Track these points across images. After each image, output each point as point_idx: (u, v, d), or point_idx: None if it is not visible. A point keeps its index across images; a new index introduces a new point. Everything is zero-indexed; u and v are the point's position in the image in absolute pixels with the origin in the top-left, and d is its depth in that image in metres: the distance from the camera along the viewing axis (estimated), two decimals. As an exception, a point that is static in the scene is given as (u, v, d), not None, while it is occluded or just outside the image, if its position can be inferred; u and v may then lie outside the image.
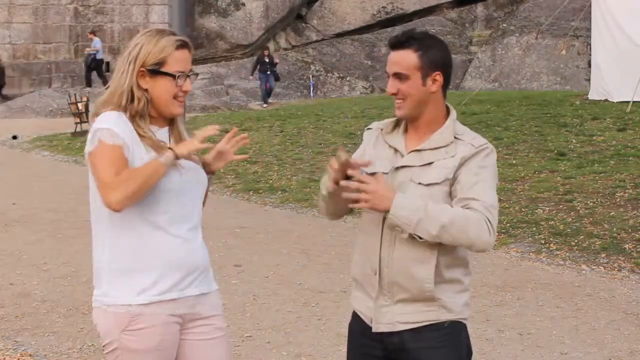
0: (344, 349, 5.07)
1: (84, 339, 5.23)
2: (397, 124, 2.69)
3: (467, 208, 2.48)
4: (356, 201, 2.49)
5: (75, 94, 18.42)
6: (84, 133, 17.15)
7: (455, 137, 2.58)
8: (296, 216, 9.48)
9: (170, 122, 2.72)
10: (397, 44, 2.58)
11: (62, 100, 21.59)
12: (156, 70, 2.60)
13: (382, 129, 2.71)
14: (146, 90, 2.62)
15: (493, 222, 2.48)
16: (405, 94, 2.56)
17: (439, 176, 2.54)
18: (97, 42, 23.28)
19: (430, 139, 2.59)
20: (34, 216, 9.33)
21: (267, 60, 22.74)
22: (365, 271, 2.64)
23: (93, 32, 23.42)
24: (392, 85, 2.58)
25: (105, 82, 23.49)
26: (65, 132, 17.57)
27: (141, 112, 2.61)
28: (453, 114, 2.64)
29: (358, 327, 2.69)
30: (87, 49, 23.43)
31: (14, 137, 17.34)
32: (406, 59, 2.56)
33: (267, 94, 22.64)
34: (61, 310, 5.86)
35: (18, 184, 11.79)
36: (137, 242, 2.59)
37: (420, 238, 2.48)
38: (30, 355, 5.00)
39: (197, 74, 2.71)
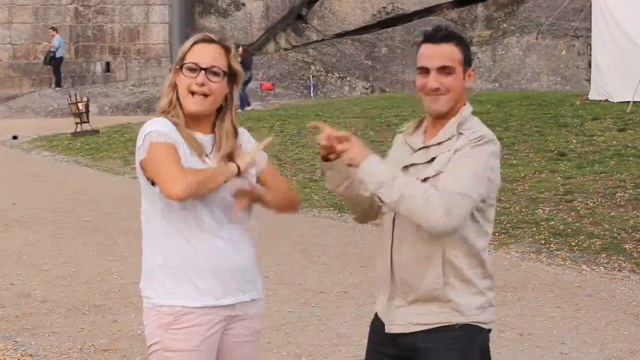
0: (344, 349, 5.09)
1: (84, 339, 5.23)
2: (418, 125, 2.69)
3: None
4: (334, 153, 2.50)
5: (75, 94, 18.42)
6: (84, 133, 17.16)
7: (459, 132, 2.56)
8: (296, 216, 9.47)
9: (214, 129, 2.71)
10: (439, 38, 2.57)
11: (62, 100, 21.59)
12: (181, 65, 2.66)
13: (404, 131, 2.71)
14: (178, 87, 2.69)
15: (452, 206, 2.39)
16: (448, 87, 2.55)
17: (433, 170, 2.54)
18: (57, 40, 23.27)
19: (436, 136, 2.60)
20: (34, 216, 9.33)
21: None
22: (382, 272, 2.67)
23: (54, 29, 23.43)
24: (436, 80, 2.54)
25: (59, 79, 23.49)
26: (65, 132, 17.56)
27: (174, 106, 2.66)
28: (466, 110, 2.62)
29: (376, 326, 2.72)
30: (45, 43, 23.41)
31: (14, 137, 17.34)
32: (452, 52, 2.56)
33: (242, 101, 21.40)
34: (61, 310, 5.86)
35: (18, 184, 11.79)
36: (186, 247, 2.61)
37: (382, 201, 2.46)
38: (30, 355, 5.00)
39: (223, 72, 2.65)
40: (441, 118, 2.61)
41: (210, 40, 2.66)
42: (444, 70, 2.54)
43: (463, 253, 2.55)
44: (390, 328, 2.62)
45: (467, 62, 2.59)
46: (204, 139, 2.69)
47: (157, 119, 2.65)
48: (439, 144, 2.57)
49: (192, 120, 2.67)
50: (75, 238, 8.21)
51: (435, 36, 2.57)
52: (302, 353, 5.02)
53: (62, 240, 8.16)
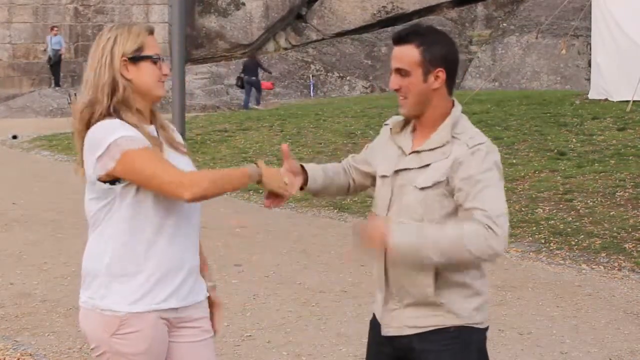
0: (344, 348, 5.09)
1: (84, 339, 5.22)
2: (406, 123, 2.66)
3: (469, 219, 2.41)
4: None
5: (75, 94, 18.41)
6: (84, 133, 17.17)
7: (453, 137, 2.52)
8: (296, 216, 9.47)
9: (152, 120, 2.68)
10: (399, 39, 2.54)
11: (62, 100, 21.59)
12: (138, 57, 2.57)
13: (391, 129, 2.68)
14: (130, 80, 2.57)
15: (497, 230, 2.37)
16: (406, 90, 2.53)
17: (431, 179, 2.50)
18: (57, 39, 23.29)
19: (429, 140, 2.55)
20: (34, 216, 9.32)
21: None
22: (377, 274, 2.67)
23: (55, 28, 23.43)
24: (394, 81, 2.54)
25: (58, 79, 23.52)
26: (65, 132, 17.51)
27: (125, 102, 2.56)
28: (456, 110, 2.58)
29: (374, 325, 2.72)
30: (47, 38, 23.43)
31: (14, 137, 17.32)
32: (407, 54, 2.51)
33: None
34: (61, 310, 5.86)
35: (18, 184, 11.78)
36: (142, 248, 2.58)
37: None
38: (30, 355, 5.00)
39: (168, 58, 2.75)
40: (420, 119, 2.59)
41: (152, 31, 2.66)
42: (400, 72, 2.53)
43: None
44: (387, 331, 2.63)
45: (432, 62, 2.50)
46: (150, 129, 2.63)
47: (111, 124, 2.52)
48: (432, 149, 2.52)
49: (141, 112, 2.63)
50: (75, 238, 8.19)
51: (397, 37, 2.56)
52: (302, 353, 5.02)
53: (62, 240, 8.15)
